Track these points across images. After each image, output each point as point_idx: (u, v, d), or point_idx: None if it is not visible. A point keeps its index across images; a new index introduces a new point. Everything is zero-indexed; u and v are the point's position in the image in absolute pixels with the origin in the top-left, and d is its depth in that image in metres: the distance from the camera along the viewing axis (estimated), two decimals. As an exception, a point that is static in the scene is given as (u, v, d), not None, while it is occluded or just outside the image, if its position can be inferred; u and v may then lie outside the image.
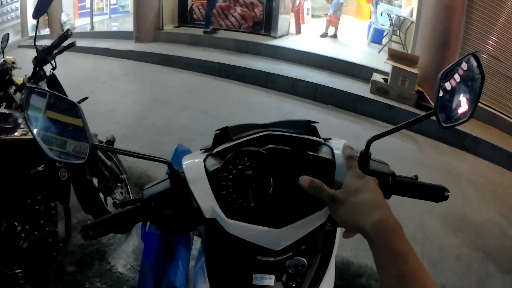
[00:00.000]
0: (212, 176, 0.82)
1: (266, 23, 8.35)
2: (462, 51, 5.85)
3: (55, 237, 2.14)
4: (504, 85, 6.01)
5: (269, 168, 0.80)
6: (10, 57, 3.40)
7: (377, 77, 5.90)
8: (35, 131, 0.79)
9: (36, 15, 2.73)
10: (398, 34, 8.77)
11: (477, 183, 4.04)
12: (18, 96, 2.70)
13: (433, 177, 3.75)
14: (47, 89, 2.54)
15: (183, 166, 0.87)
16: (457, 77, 0.80)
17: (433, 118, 0.77)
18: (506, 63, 5.95)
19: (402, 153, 4.16)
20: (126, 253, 2.78)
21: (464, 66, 0.80)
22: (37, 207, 2.08)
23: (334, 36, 9.40)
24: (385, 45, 8.38)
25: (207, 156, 0.89)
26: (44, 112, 0.81)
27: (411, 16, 8.59)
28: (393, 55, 5.96)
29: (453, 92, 0.79)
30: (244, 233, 0.79)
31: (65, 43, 2.69)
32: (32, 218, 2.05)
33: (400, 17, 8.90)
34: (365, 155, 0.84)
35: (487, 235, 3.18)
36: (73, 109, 0.79)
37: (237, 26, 8.69)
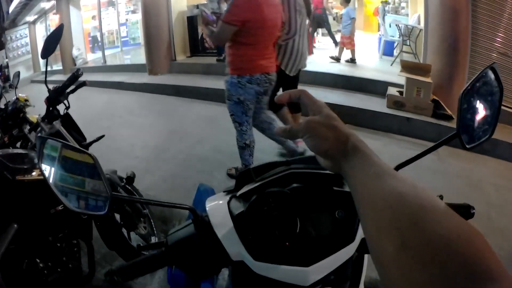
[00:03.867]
0: (237, 220, 0.81)
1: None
2: (472, 52, 5.87)
3: (78, 273, 2.16)
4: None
5: (295, 207, 0.78)
6: (23, 95, 3.43)
7: (392, 90, 5.92)
8: (51, 181, 0.78)
9: (44, 55, 2.71)
10: (408, 43, 8.77)
11: (499, 185, 4.02)
12: (33, 136, 2.73)
13: (455, 185, 3.92)
14: (60, 139, 2.45)
15: (207, 210, 0.87)
16: (476, 94, 0.78)
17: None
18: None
19: (423, 165, 4.01)
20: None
21: (482, 81, 0.78)
22: (59, 245, 2.09)
23: (352, 61, 8.44)
24: (397, 57, 8.39)
25: (230, 199, 0.88)
26: (59, 162, 0.80)
27: (419, 23, 8.62)
28: (406, 66, 5.98)
29: (473, 110, 0.78)
30: (273, 273, 0.78)
31: (76, 83, 2.72)
32: (54, 255, 2.06)
33: (409, 26, 8.91)
34: None
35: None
36: (89, 163, 0.78)
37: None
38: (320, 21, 10.74)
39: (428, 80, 5.59)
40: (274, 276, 0.78)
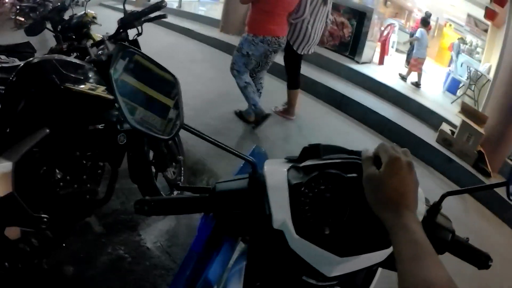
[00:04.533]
0: (292, 189, 0.79)
1: (352, 46, 8.32)
2: None
3: (94, 195, 2.12)
4: None
5: (349, 195, 0.77)
6: (92, 12, 3.34)
7: (445, 127, 5.95)
8: (118, 93, 0.76)
9: None
10: (472, 89, 8.70)
11: (507, 258, 4.00)
12: (94, 51, 2.57)
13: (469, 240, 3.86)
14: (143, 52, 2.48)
15: (265, 171, 0.85)
16: None
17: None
18: None
19: (448, 207, 4.07)
20: (160, 232, 2.72)
21: None
22: (84, 162, 2.04)
23: (417, 85, 8.54)
24: (459, 97, 8.39)
25: (290, 167, 0.85)
26: (134, 72, 0.79)
27: (488, 73, 8.56)
28: (465, 109, 6.00)
29: None
30: (307, 253, 0.78)
31: (155, 13, 2.63)
32: (76, 171, 2.01)
33: (478, 72, 8.84)
34: (436, 208, 0.89)
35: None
36: (170, 82, 0.80)
37: (323, 41, 8.57)
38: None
39: (481, 130, 5.58)
40: (305, 256, 0.79)
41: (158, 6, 2.56)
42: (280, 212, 0.78)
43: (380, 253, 0.78)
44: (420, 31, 8.64)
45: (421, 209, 0.83)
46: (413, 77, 8.65)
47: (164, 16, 2.70)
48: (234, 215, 0.84)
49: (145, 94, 0.81)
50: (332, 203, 0.77)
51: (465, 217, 4.26)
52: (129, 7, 2.63)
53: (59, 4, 3.69)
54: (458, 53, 10.50)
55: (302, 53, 4.68)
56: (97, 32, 3.04)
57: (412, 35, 10.94)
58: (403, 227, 0.64)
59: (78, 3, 5.54)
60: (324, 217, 0.76)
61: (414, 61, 8.61)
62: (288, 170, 0.84)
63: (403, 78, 8.62)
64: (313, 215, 0.76)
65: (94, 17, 3.29)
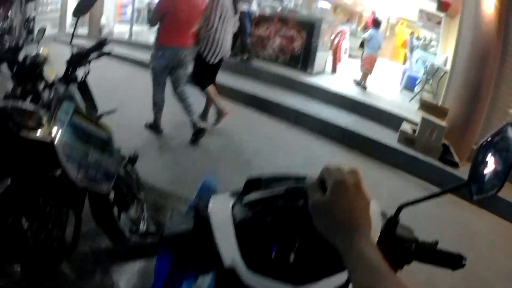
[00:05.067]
0: (238, 226, 0.79)
1: (304, 58, 8.34)
2: (491, 104, 5.91)
3: (61, 242, 2.10)
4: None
5: (297, 225, 0.76)
6: (45, 51, 3.28)
7: (406, 126, 5.94)
8: (57, 143, 0.74)
9: (76, 14, 2.69)
10: (430, 83, 8.77)
11: (492, 241, 4.08)
12: (46, 94, 2.58)
13: (449, 232, 3.90)
14: (79, 98, 2.43)
15: (210, 209, 0.85)
16: (492, 148, 0.80)
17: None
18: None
19: (422, 207, 4.02)
20: (131, 272, 2.61)
21: (500, 135, 0.80)
22: (48, 210, 2.03)
23: (361, 85, 8.53)
24: (417, 93, 8.43)
25: (235, 202, 0.85)
26: (70, 126, 0.78)
27: (445, 65, 8.64)
28: (424, 105, 6.04)
29: (486, 163, 0.80)
30: (263, 286, 0.76)
31: (101, 51, 2.65)
32: (41, 219, 2.00)
33: (434, 66, 8.91)
34: (393, 221, 0.86)
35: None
36: (105, 136, 0.77)
37: (275, 57, 8.68)
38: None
39: (443, 123, 5.61)
40: None
41: (102, 43, 2.60)
42: (229, 250, 0.78)
43: (340, 275, 0.77)
44: (369, 32, 8.71)
45: (377, 226, 0.83)
46: (368, 81, 8.62)
47: (109, 54, 2.72)
48: (185, 256, 0.86)
49: (86, 150, 0.84)
50: (280, 235, 0.76)
51: (441, 211, 4.23)
52: (84, 42, 2.62)
53: (14, 44, 3.71)
54: (412, 49, 10.62)
55: (210, 62, 5.02)
56: (51, 73, 2.95)
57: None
58: (355, 252, 0.61)
59: (33, 41, 5.50)
60: (274, 249, 0.76)
61: (364, 59, 8.68)
62: (233, 206, 0.84)
63: (358, 83, 8.55)
64: (262, 248, 0.77)
65: (46, 57, 3.22)
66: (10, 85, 3.41)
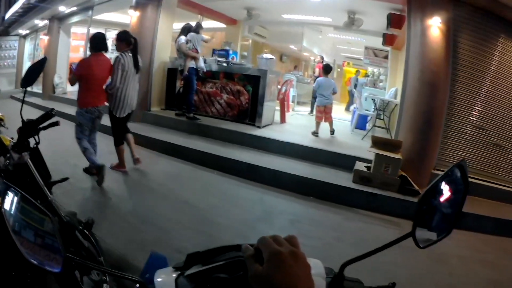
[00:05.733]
0: None
1: (251, 112, 8.35)
2: (445, 127, 6.07)
3: None
4: (491, 153, 6.26)
5: None
6: (0, 114, 3.59)
7: (360, 165, 5.94)
8: (12, 232, 0.79)
9: (24, 85, 2.83)
10: (382, 118, 8.89)
11: (463, 256, 4.06)
12: (1, 161, 2.73)
13: (418, 258, 3.76)
14: (27, 172, 2.57)
15: (156, 285, 0.87)
16: (438, 193, 0.79)
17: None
18: (490, 131, 6.26)
19: (384, 239, 3.95)
20: None
21: (448, 179, 0.79)
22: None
23: (332, 132, 8.42)
24: (368, 131, 8.51)
25: (178, 276, 0.88)
26: (18, 209, 0.83)
27: (396, 97, 8.82)
28: (376, 142, 6.04)
29: (434, 209, 0.80)
30: None
31: (49, 121, 2.81)
32: None
33: (384, 101, 9.08)
34: (339, 278, 0.87)
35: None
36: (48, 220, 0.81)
37: (223, 113, 8.69)
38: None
39: (398, 156, 5.64)
40: None
41: (49, 115, 2.80)
42: None
43: None
44: (317, 81, 8.53)
45: (322, 286, 0.84)
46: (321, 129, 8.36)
47: (57, 124, 2.87)
48: None
49: (33, 233, 0.82)
50: None
51: (406, 240, 4.08)
52: (38, 101, 2.66)
53: None
54: (355, 87, 10.86)
55: (120, 116, 5.56)
56: (7, 134, 3.17)
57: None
58: None
59: None
60: None
61: (328, 110, 8.40)
62: (176, 279, 0.87)
63: (315, 133, 8.23)
64: None
65: (1, 119, 3.50)
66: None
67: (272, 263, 0.65)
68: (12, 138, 2.88)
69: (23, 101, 2.92)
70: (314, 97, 11.17)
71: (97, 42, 5.39)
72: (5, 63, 15.89)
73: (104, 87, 5.37)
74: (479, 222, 4.92)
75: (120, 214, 4.50)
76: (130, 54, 5.44)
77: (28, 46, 17.00)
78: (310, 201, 5.41)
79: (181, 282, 0.86)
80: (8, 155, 2.67)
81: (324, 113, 8.33)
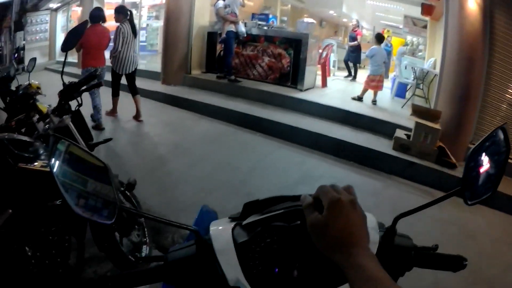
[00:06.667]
0: (239, 248, 0.82)
1: (293, 75, 8.36)
2: (482, 102, 5.93)
3: (65, 269, 2.14)
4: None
5: (296, 243, 0.80)
6: (36, 82, 3.55)
7: (400, 133, 5.93)
8: (58, 178, 0.78)
9: (64, 49, 2.84)
10: (421, 87, 8.73)
11: (494, 236, 4.04)
12: (41, 126, 2.73)
13: (451, 233, 3.89)
14: (69, 135, 2.60)
15: (211, 233, 0.87)
16: (484, 152, 0.82)
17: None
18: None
19: (422, 211, 3.98)
20: None
21: (491, 140, 0.82)
22: (50, 238, 2.08)
23: (375, 102, 8.11)
24: (408, 100, 8.38)
25: (235, 226, 0.88)
26: (67, 160, 0.82)
27: (434, 68, 8.61)
28: (416, 111, 6.01)
29: (479, 168, 0.82)
30: None
31: (91, 83, 2.81)
32: (44, 247, 2.05)
33: (424, 70, 8.87)
34: (391, 231, 0.88)
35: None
36: (102, 168, 0.82)
37: (264, 76, 8.70)
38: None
39: (437, 126, 5.61)
40: None
41: (94, 76, 2.80)
42: (232, 271, 0.80)
43: (343, 287, 0.78)
44: (370, 49, 8.34)
45: (375, 238, 0.84)
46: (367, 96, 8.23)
47: (100, 84, 2.96)
48: (189, 281, 0.86)
49: (84, 183, 0.82)
50: (280, 254, 0.80)
51: (440, 213, 4.13)
52: (74, 70, 2.71)
53: (5, 74, 3.97)
54: (400, 56, 10.65)
55: (120, 73, 6.68)
56: (44, 102, 3.14)
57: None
58: (355, 266, 0.63)
59: (24, 70, 5.83)
60: (276, 267, 0.79)
61: (367, 79, 8.24)
62: (233, 229, 0.87)
63: (359, 99, 8.14)
64: (264, 268, 0.80)
65: (38, 88, 3.44)
66: (3, 115, 3.46)
67: (332, 210, 0.67)
68: (49, 106, 2.84)
69: (64, 63, 2.90)
70: (346, 62, 11.00)
71: (93, 16, 6.52)
72: (37, 37, 16.03)
73: (109, 52, 6.60)
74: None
75: (159, 176, 4.59)
76: (129, 24, 6.55)
77: (60, 18, 17.10)
78: (350, 166, 5.46)
79: (238, 231, 0.87)
80: (47, 119, 2.68)
81: (377, 82, 8.17)
